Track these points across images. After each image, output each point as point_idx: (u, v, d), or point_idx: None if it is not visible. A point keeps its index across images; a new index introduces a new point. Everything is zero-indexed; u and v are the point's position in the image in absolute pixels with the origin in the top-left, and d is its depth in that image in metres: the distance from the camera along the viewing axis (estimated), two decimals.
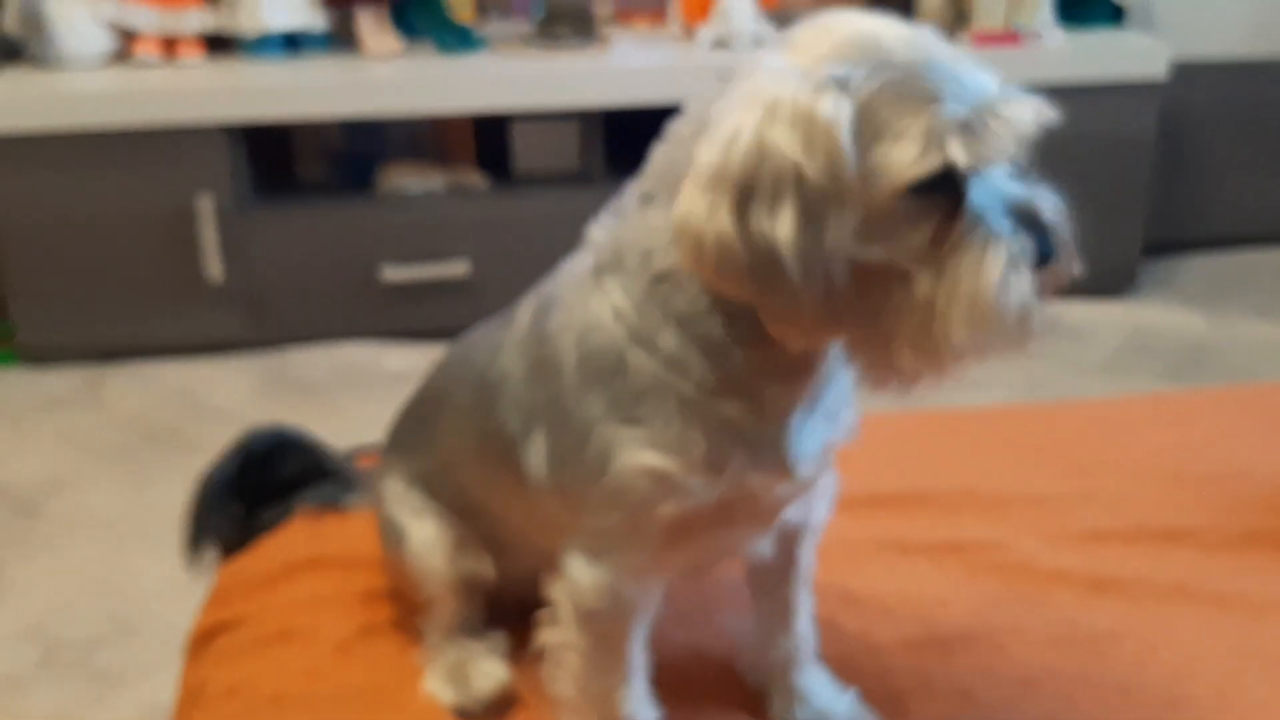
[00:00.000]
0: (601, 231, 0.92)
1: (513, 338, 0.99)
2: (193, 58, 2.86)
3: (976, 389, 1.82)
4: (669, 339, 0.86)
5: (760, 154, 0.76)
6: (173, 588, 1.37)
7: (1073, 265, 0.83)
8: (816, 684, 1.07)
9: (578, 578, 0.94)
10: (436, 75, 2.80)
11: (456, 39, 2.95)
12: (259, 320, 2.84)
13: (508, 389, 0.98)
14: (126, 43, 2.86)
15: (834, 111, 0.75)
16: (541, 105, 2.80)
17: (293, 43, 2.94)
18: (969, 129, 0.77)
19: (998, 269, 0.78)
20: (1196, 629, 1.16)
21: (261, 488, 1.33)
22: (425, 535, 1.10)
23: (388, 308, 2.85)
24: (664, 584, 0.98)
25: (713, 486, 0.87)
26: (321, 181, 3.02)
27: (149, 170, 2.70)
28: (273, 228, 2.80)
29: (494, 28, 3.09)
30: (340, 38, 3.00)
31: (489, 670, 1.09)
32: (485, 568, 1.11)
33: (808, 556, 1.05)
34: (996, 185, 0.80)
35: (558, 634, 0.97)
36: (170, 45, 2.86)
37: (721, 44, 2.89)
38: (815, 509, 1.03)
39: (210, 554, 1.32)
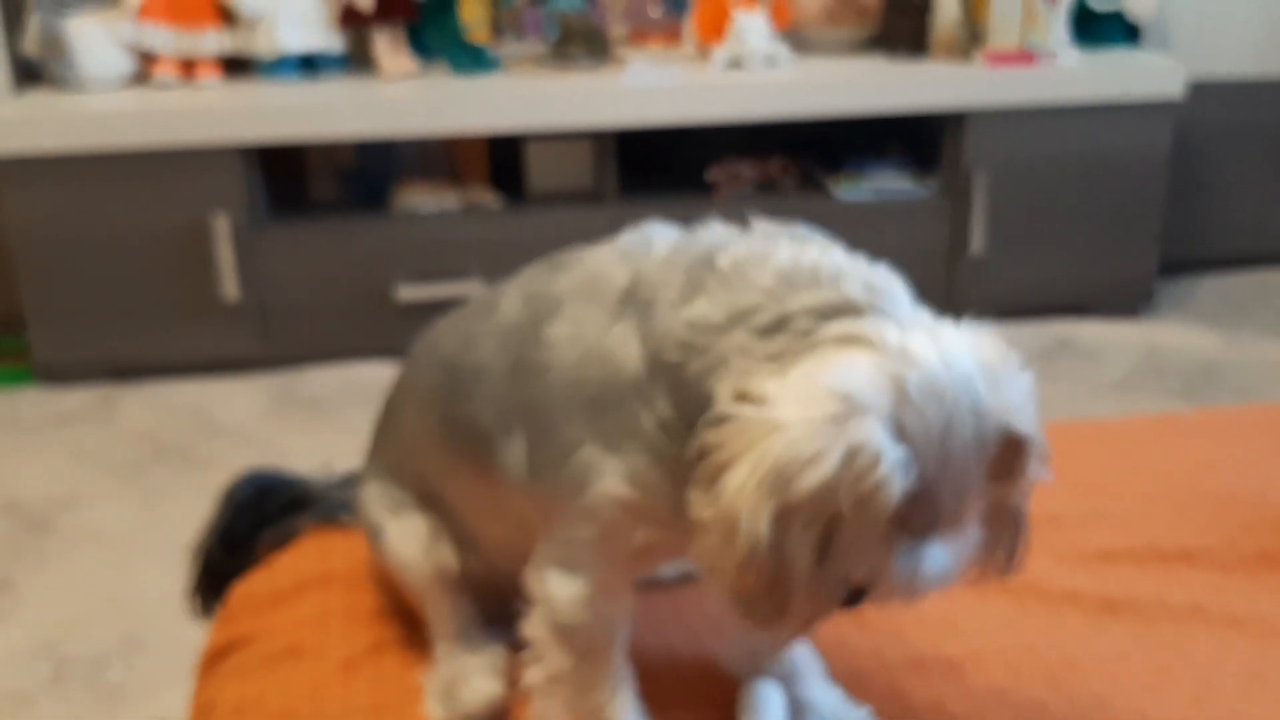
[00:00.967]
0: (646, 260, 0.90)
1: (494, 327, 0.98)
2: (210, 79, 2.89)
3: None
4: (666, 408, 0.86)
5: (828, 490, 0.75)
6: (183, 604, 1.38)
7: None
8: (827, 697, 1.06)
9: (554, 593, 0.93)
10: (451, 95, 2.82)
11: (471, 60, 2.97)
12: (272, 338, 2.85)
13: (485, 381, 0.97)
14: (145, 64, 2.89)
15: (895, 474, 0.76)
16: (555, 125, 2.81)
17: (309, 64, 2.97)
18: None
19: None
20: (1210, 650, 1.15)
21: (257, 529, 1.34)
22: (401, 528, 1.10)
23: (401, 327, 2.85)
24: (636, 591, 0.98)
25: (685, 519, 0.87)
26: (336, 201, 3.03)
27: (165, 189, 2.72)
28: (287, 247, 2.81)
29: (509, 48, 3.11)
30: (356, 59, 3.02)
31: (479, 685, 1.08)
32: (453, 559, 1.11)
33: None
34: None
35: (540, 670, 0.97)
36: (188, 67, 2.89)
37: (735, 64, 2.89)
38: None
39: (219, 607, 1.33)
